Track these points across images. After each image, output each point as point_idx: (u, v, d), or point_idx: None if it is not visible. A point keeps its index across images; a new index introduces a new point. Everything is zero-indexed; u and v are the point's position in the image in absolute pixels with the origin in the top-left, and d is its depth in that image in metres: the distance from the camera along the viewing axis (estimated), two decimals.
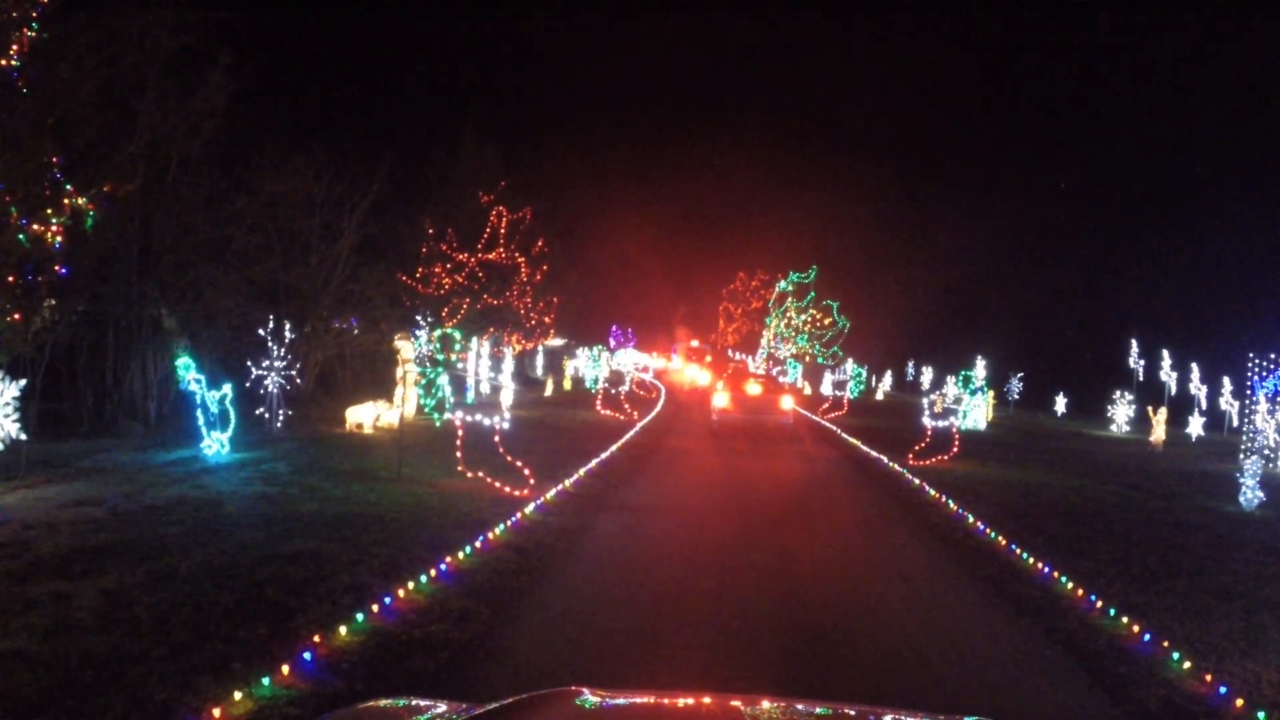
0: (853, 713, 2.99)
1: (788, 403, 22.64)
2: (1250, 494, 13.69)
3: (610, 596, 7.41)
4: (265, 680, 4.99)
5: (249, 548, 7.95)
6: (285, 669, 5.16)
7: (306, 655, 5.36)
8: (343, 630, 5.87)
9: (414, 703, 2.88)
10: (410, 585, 6.95)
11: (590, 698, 2.55)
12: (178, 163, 16.97)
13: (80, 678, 4.99)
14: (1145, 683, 5.93)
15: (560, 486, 12.05)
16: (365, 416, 17.74)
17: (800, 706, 2.84)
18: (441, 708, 2.63)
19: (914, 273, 60.06)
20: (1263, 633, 7.12)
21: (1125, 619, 7.11)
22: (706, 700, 2.74)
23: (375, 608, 6.32)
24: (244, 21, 17.07)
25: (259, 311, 18.82)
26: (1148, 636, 6.69)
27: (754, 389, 22.98)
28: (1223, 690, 5.74)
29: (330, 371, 24.97)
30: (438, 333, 21.61)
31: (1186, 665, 6.17)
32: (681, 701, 2.78)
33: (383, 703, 3.01)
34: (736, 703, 2.75)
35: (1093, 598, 7.68)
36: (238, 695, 4.79)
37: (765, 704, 2.75)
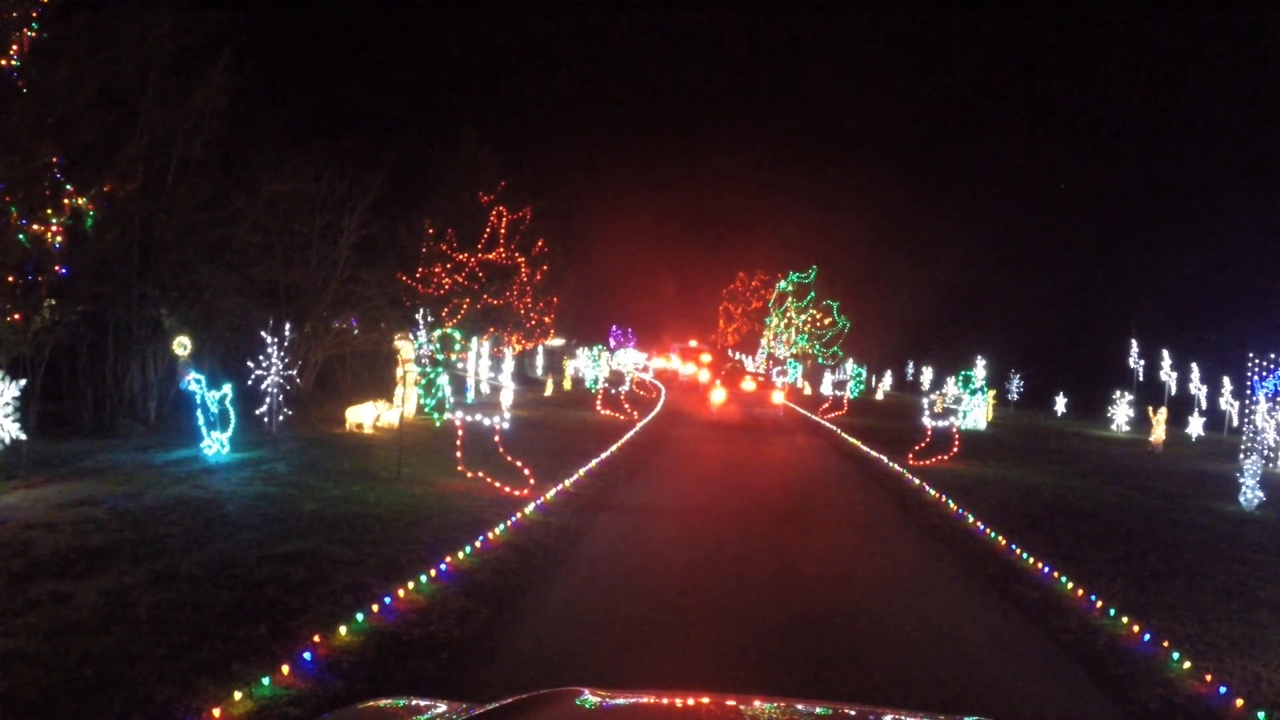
0: (853, 713, 2.98)
1: (778, 397, 26.43)
2: (1250, 494, 13.70)
3: (610, 596, 7.41)
4: (265, 680, 4.99)
5: (249, 547, 7.95)
6: (285, 669, 5.16)
7: (306, 655, 5.35)
8: (342, 630, 5.87)
9: (414, 703, 2.88)
10: (410, 585, 6.95)
11: (590, 698, 2.54)
12: (178, 163, 16.96)
13: (80, 677, 4.99)
14: (1145, 683, 5.93)
15: (560, 486, 12.04)
16: (365, 416, 17.73)
17: (800, 706, 2.84)
18: (441, 708, 2.63)
19: (914, 273, 60.10)
20: (1263, 632, 7.13)
21: (1125, 619, 7.12)
22: (706, 700, 2.74)
23: (375, 608, 6.32)
24: (244, 21, 17.07)
25: (259, 311, 18.82)
26: (1148, 636, 6.69)
27: (748, 385, 26.35)
28: (1223, 690, 5.74)
29: (330, 371, 24.96)
30: (438, 333, 21.60)
31: (1186, 665, 6.17)
32: (681, 701, 2.77)
33: (383, 703, 3.00)
34: (735, 703, 2.74)
35: (1093, 598, 7.68)
36: (238, 695, 4.79)
37: (765, 704, 2.74)
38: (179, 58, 16.23)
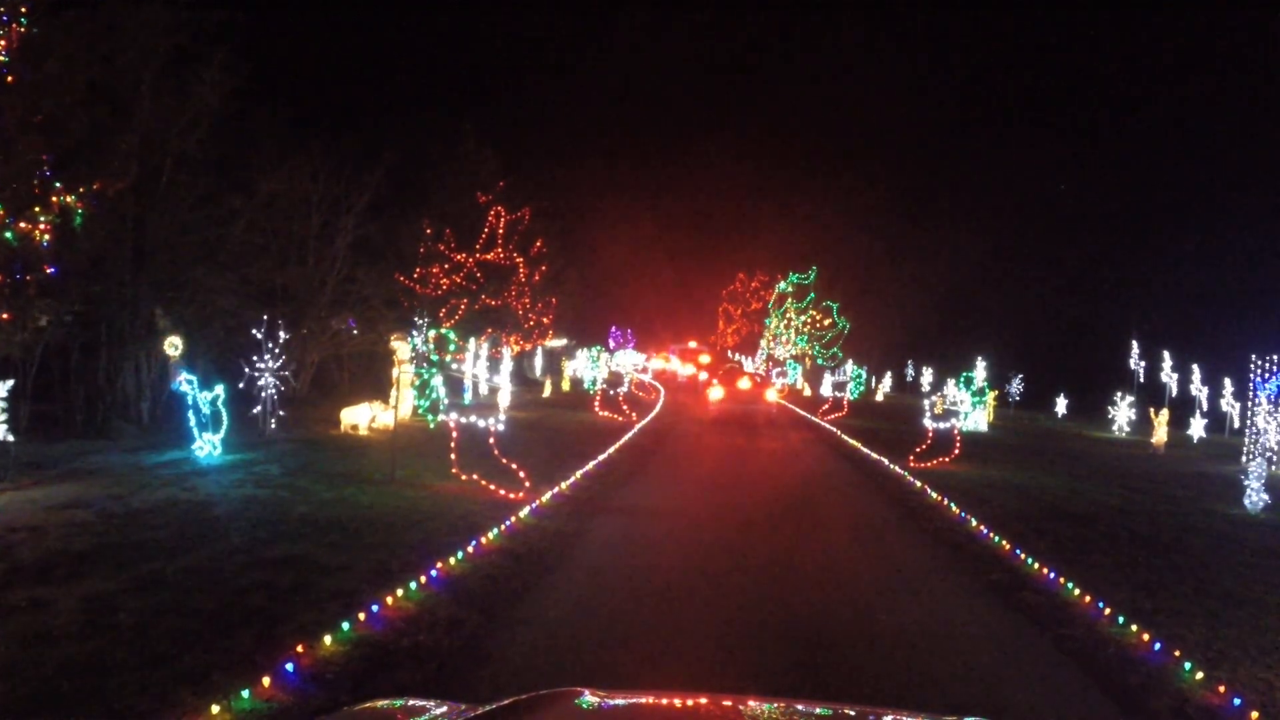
0: (853, 713, 2.96)
1: (771, 395, 28.76)
2: (1255, 496, 13.55)
3: (606, 602, 7.24)
4: (245, 693, 4.82)
5: (236, 552, 7.79)
6: (266, 680, 4.98)
7: (289, 666, 5.18)
8: (328, 639, 5.70)
9: (412, 703, 2.85)
10: (400, 592, 6.78)
11: (590, 698, 2.53)
12: (172, 161, 16.79)
13: (56, 687, 4.83)
14: (1157, 693, 5.76)
15: (556, 489, 11.87)
16: (360, 418, 17.58)
17: (800, 706, 2.82)
18: (440, 709, 2.60)
19: (914, 274, 59.97)
20: (1275, 640, 6.96)
21: (1134, 626, 6.94)
22: (704, 701, 2.72)
23: (362, 615, 6.15)
24: (241, 20, 16.89)
25: (254, 312, 18.65)
26: (1158, 645, 6.52)
27: (744, 384, 28.39)
28: (1237, 702, 5.56)
29: (326, 372, 24.82)
30: (432, 333, 21.43)
31: (1199, 675, 5.99)
32: (680, 702, 2.75)
33: (380, 703, 2.97)
34: (734, 703, 2.71)
35: (1100, 604, 7.51)
36: (215, 709, 4.61)
37: (765, 704, 2.72)
38: (174, 55, 16.07)
